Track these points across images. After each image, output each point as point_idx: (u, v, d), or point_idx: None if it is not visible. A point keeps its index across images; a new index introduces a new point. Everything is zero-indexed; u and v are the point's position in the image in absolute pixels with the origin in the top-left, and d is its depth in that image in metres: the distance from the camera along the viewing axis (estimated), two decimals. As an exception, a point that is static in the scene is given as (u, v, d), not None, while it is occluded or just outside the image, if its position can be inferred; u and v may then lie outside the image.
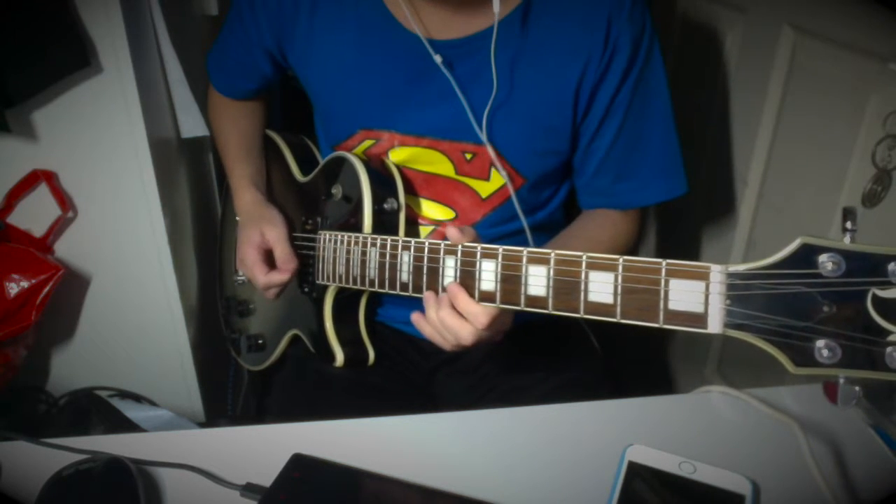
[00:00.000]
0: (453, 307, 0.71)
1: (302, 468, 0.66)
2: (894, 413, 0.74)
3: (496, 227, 0.95)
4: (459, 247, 0.70)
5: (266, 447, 0.69)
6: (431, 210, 0.95)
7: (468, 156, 0.89)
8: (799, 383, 0.80)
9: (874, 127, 0.86)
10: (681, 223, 1.35)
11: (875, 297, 0.47)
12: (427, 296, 0.74)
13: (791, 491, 0.66)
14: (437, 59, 0.84)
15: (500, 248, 0.67)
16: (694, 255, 1.32)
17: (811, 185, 1.00)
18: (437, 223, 0.95)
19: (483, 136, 0.86)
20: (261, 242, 0.95)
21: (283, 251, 0.94)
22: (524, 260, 0.65)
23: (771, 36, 1.05)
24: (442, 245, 0.72)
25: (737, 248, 1.18)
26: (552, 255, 0.63)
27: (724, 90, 1.20)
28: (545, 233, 0.97)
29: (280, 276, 0.93)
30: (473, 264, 0.69)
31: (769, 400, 0.76)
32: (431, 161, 0.92)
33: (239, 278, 1.12)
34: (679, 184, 0.93)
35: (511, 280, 0.66)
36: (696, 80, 1.28)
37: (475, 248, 0.69)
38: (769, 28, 1.05)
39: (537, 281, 0.64)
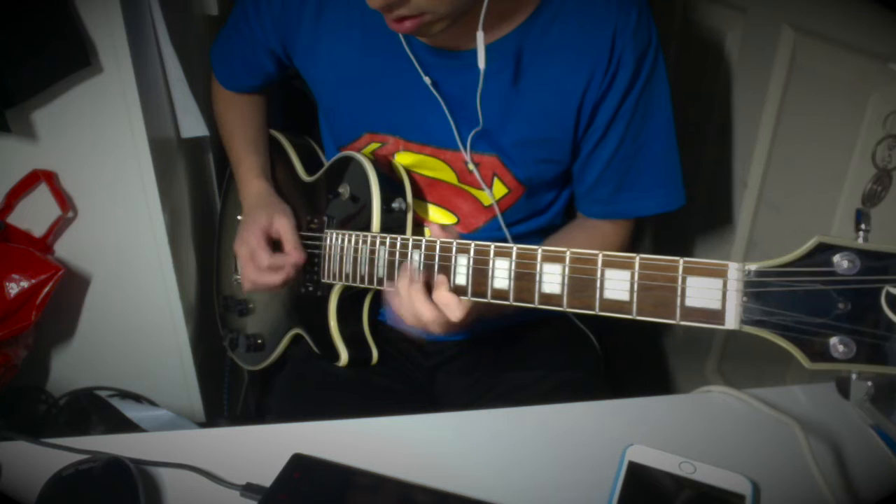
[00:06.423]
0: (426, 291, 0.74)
1: (302, 468, 0.66)
2: (894, 413, 0.74)
3: (498, 231, 0.95)
4: (472, 245, 0.70)
5: (266, 447, 0.69)
6: (435, 214, 0.95)
7: (470, 167, 0.89)
8: (800, 383, 0.80)
9: (874, 127, 0.86)
10: (680, 223, 1.35)
11: (889, 294, 0.48)
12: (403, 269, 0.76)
13: (791, 491, 0.66)
14: (427, 80, 0.84)
15: (514, 247, 0.67)
16: (693, 255, 1.32)
17: (811, 185, 1.00)
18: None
19: (467, 156, 0.87)
20: (267, 227, 0.94)
21: (292, 240, 0.93)
22: (539, 258, 0.65)
23: (771, 36, 1.05)
24: (454, 244, 0.72)
25: (737, 248, 1.18)
26: (567, 253, 0.63)
27: (725, 90, 1.19)
28: (545, 238, 0.97)
29: (286, 259, 0.91)
30: (486, 262, 0.69)
31: (769, 400, 0.76)
32: (435, 168, 0.92)
33: (238, 276, 1.12)
34: (677, 196, 0.93)
35: (525, 278, 0.66)
36: (695, 80, 1.28)
37: (488, 246, 0.69)
38: (769, 28, 1.05)
39: (552, 279, 0.64)
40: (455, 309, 0.72)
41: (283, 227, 0.94)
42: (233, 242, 1.00)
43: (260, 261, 0.92)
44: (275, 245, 0.96)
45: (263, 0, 0.93)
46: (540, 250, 0.65)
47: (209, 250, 1.25)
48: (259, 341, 1.08)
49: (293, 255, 0.92)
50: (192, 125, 1.12)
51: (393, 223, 0.87)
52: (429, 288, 0.74)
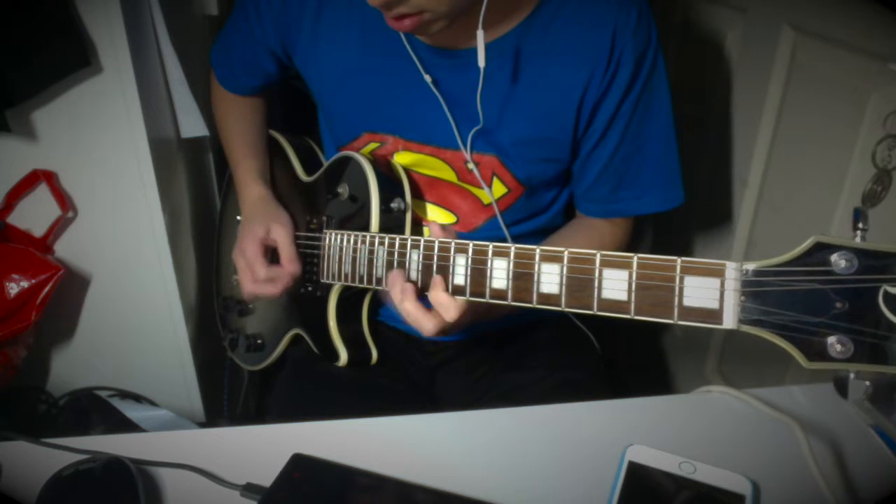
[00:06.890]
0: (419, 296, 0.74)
1: (302, 468, 0.66)
2: (894, 413, 0.74)
3: (498, 231, 0.95)
4: (471, 245, 0.70)
5: (266, 447, 0.69)
6: (434, 213, 0.95)
7: (469, 166, 0.89)
8: (800, 383, 0.80)
9: (874, 127, 0.86)
10: (680, 222, 1.35)
11: (886, 293, 0.48)
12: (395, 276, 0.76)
13: (791, 491, 0.66)
14: (427, 78, 0.84)
15: (513, 247, 0.67)
16: (693, 254, 1.32)
17: (811, 185, 1.00)
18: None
19: (467, 155, 0.87)
20: (265, 238, 0.94)
21: (289, 251, 0.93)
22: (537, 258, 0.65)
23: (771, 36, 1.05)
24: (452, 244, 0.72)
25: (737, 248, 1.18)
26: (565, 252, 0.63)
27: (725, 90, 1.20)
28: (545, 238, 0.97)
29: (282, 272, 0.92)
30: (485, 262, 0.69)
31: (769, 400, 0.76)
32: (434, 167, 0.92)
33: (237, 277, 1.12)
34: (676, 195, 0.93)
35: (523, 278, 0.66)
36: (695, 80, 1.28)
37: (487, 246, 0.69)
38: (769, 28, 1.05)
39: (550, 279, 0.64)
40: (450, 309, 0.72)
41: (280, 236, 0.94)
42: (232, 243, 1.00)
43: (257, 274, 0.93)
44: (273, 253, 0.96)
45: (263, 0, 0.93)
46: (538, 250, 0.65)
47: (209, 250, 1.25)
48: (259, 341, 1.08)
49: (288, 267, 0.92)
50: (192, 125, 1.12)
51: (392, 223, 0.87)
52: (424, 288, 0.75)
